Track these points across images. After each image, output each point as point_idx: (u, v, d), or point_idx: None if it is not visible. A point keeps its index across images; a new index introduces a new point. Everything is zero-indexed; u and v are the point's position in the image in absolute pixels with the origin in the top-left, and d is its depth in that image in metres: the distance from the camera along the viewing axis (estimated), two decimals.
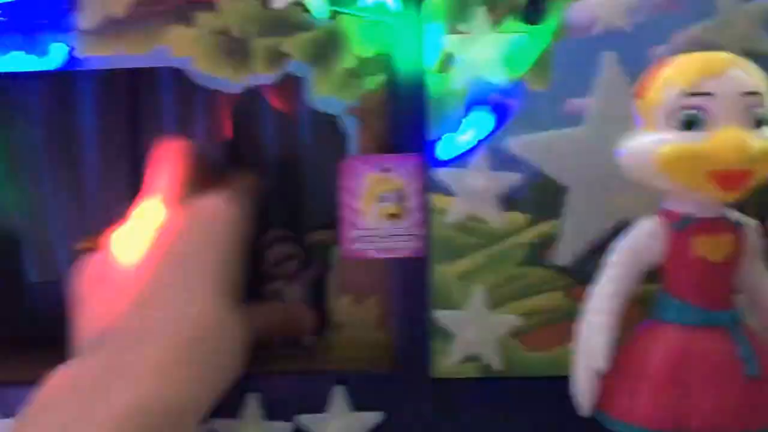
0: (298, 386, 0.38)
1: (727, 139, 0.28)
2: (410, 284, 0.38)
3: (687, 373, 0.30)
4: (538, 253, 0.38)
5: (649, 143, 0.30)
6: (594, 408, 0.32)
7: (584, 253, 0.38)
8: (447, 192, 0.38)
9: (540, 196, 0.38)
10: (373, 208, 0.38)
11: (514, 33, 0.37)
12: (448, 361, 0.38)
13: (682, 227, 0.31)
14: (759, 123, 0.30)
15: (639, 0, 0.37)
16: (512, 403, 0.38)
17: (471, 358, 0.38)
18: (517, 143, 0.38)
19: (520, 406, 0.38)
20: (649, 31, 0.38)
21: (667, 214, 0.31)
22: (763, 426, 0.30)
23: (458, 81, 0.38)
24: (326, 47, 0.39)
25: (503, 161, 0.37)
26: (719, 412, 0.29)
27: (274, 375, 0.39)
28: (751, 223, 0.32)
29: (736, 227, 0.31)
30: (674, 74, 0.30)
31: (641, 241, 0.32)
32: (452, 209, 0.38)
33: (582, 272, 0.37)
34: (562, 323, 0.37)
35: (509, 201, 0.38)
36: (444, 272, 0.38)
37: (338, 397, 0.38)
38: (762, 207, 0.36)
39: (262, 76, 0.39)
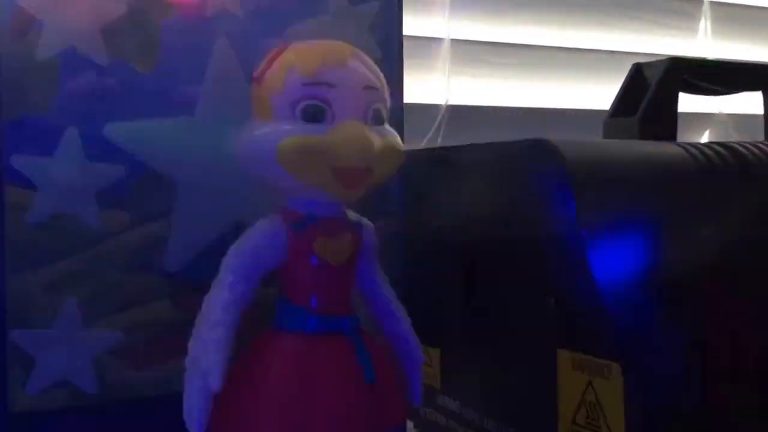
0: None
1: (350, 134, 0.28)
2: None
3: (309, 383, 0.29)
4: (143, 257, 0.35)
5: (269, 136, 0.28)
6: (209, 429, 0.29)
7: (196, 257, 0.35)
8: (26, 184, 0.32)
9: (145, 193, 0.35)
10: None
11: None
12: (30, 391, 0.33)
13: (303, 228, 0.29)
14: (379, 119, 0.29)
15: None
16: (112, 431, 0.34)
17: (59, 384, 0.34)
18: (117, 130, 0.34)
19: None
20: (262, 21, 0.37)
21: (288, 215, 0.30)
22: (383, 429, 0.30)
23: (44, 50, 0.33)
24: None
25: (101, 150, 0.34)
26: (342, 421, 0.28)
27: None
28: (368, 224, 0.31)
29: (355, 228, 0.30)
30: (295, 61, 0.28)
31: (260, 243, 0.29)
32: (34, 206, 0.33)
33: (193, 279, 0.34)
34: (170, 336, 0.34)
35: (108, 197, 0.34)
36: (23, 283, 0.33)
37: None
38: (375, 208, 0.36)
39: None
